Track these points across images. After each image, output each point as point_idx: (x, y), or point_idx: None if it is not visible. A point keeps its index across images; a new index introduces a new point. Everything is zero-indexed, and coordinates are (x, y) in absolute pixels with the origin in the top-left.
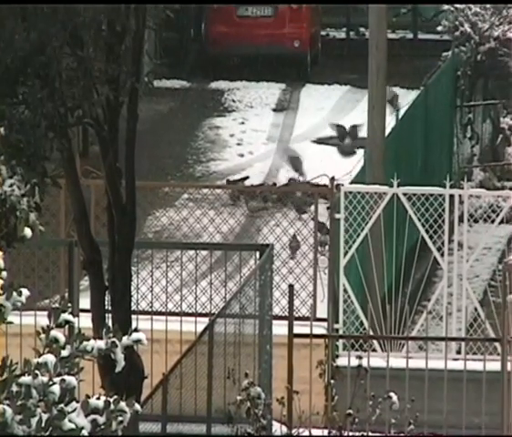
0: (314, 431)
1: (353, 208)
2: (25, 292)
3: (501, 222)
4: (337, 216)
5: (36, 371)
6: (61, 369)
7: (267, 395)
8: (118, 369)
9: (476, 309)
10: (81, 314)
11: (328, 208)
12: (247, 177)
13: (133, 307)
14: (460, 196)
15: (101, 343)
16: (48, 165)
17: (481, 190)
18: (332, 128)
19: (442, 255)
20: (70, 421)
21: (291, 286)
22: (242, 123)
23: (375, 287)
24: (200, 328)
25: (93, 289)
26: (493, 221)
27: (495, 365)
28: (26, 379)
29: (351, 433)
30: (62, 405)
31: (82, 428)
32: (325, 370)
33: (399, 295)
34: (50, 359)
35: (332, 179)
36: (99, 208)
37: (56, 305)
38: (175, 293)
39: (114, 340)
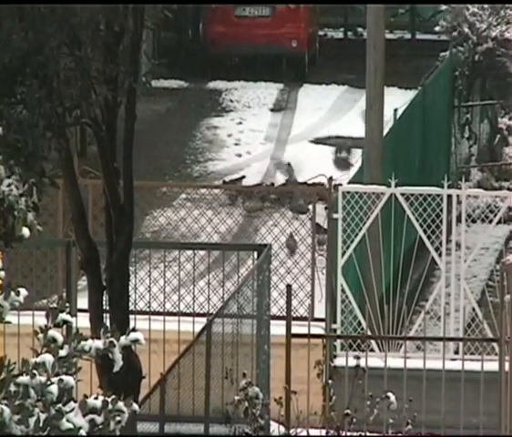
0: (312, 432)
1: (350, 208)
2: (23, 292)
3: (499, 222)
4: (335, 216)
5: (34, 371)
6: (59, 368)
7: (265, 395)
8: (116, 369)
9: (473, 310)
10: (79, 314)
11: (326, 208)
12: (243, 177)
13: (131, 307)
14: (458, 196)
15: (99, 343)
16: (46, 165)
17: (479, 190)
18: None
19: (440, 255)
20: (68, 420)
21: (288, 286)
22: (240, 123)
23: (373, 287)
24: (198, 328)
25: (91, 289)
26: (491, 221)
27: (492, 365)
28: (24, 378)
29: (349, 433)
30: (60, 405)
31: (80, 428)
32: (323, 370)
33: (397, 295)
34: (48, 358)
35: (330, 179)
36: (97, 208)
37: (54, 305)
38: (173, 293)
39: (112, 339)
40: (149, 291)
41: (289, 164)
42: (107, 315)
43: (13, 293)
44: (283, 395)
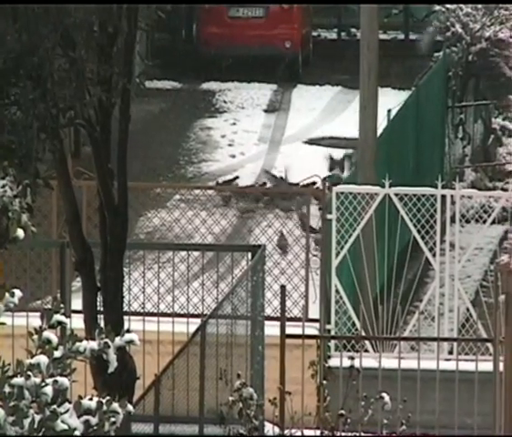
0: (307, 432)
1: (344, 209)
2: (18, 293)
3: (493, 223)
4: (329, 216)
5: (29, 372)
6: (53, 370)
7: (259, 396)
8: (111, 370)
9: (467, 310)
10: (73, 315)
11: (320, 208)
12: (237, 178)
13: (125, 308)
14: (452, 196)
15: (94, 344)
16: (40, 166)
17: (473, 191)
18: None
19: (434, 255)
20: (63, 422)
21: (283, 287)
22: (234, 124)
23: (367, 287)
24: (192, 329)
25: (85, 290)
26: (485, 222)
27: (487, 365)
28: (19, 380)
29: (343, 434)
30: (55, 406)
31: (75, 429)
32: (317, 370)
33: (391, 295)
34: (43, 360)
35: (324, 180)
36: (91, 209)
37: (49, 306)
38: (167, 294)
39: (106, 340)
40: (143, 292)
41: (266, 171)
42: (102, 316)
43: (7, 294)
44: (278, 396)
